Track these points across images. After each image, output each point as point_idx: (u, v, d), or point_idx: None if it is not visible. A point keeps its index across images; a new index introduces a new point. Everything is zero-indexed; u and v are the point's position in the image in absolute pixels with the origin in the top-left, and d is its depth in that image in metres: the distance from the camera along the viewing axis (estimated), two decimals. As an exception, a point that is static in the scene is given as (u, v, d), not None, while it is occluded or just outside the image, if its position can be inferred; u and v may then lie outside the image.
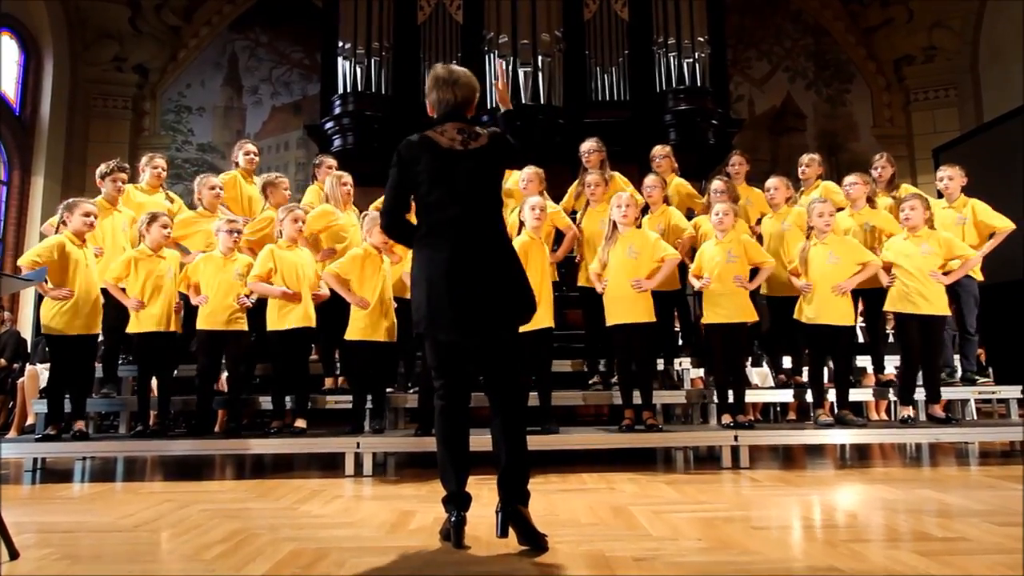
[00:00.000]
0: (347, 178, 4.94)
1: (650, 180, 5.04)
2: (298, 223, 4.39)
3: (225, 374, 4.79)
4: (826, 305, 4.32)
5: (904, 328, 4.43)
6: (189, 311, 4.52)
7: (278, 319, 4.31)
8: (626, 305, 4.27)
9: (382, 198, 2.68)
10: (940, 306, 4.40)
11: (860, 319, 5.26)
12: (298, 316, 4.28)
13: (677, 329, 5.60)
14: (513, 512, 2.34)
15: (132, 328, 4.34)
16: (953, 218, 4.88)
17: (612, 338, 4.40)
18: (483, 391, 2.51)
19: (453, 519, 2.39)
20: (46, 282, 4.10)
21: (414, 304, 2.48)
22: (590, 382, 4.95)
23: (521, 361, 2.55)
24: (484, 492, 2.71)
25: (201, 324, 4.32)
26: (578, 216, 5.05)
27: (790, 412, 5.79)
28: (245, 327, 4.37)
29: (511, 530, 2.33)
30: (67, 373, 4.22)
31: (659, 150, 5.49)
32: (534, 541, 2.31)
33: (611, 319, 4.33)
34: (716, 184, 4.94)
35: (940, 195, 5.06)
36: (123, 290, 4.33)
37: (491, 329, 2.42)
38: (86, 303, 4.19)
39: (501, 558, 2.25)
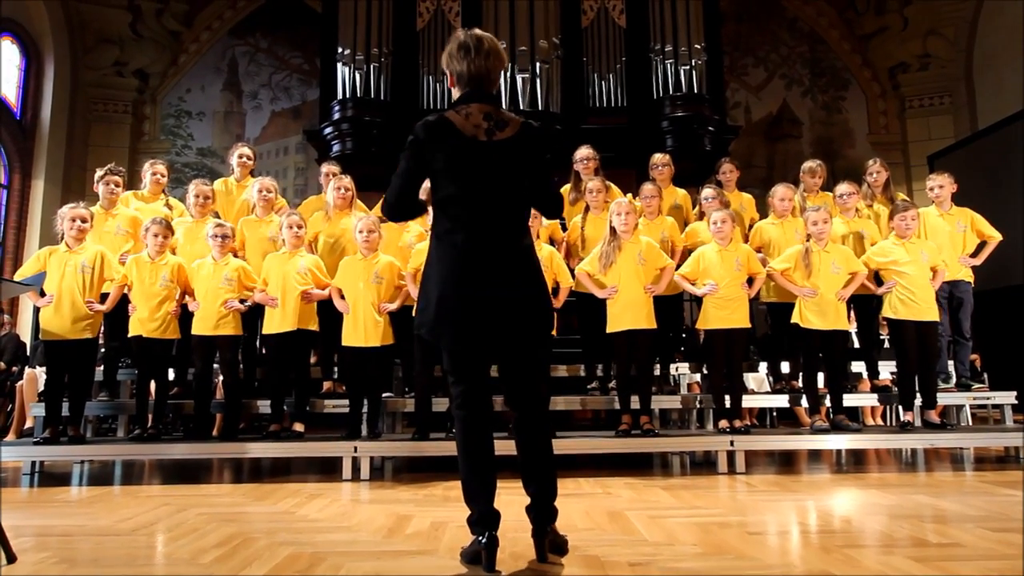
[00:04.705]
0: (343, 181, 4.94)
1: (649, 189, 5.04)
2: (292, 229, 4.42)
3: (220, 378, 4.81)
4: (832, 311, 4.36)
5: (902, 334, 4.44)
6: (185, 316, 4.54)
7: (268, 323, 4.41)
8: (634, 312, 4.30)
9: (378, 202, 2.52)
10: (935, 312, 4.48)
11: (853, 324, 5.30)
12: (286, 320, 4.32)
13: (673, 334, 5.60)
14: (550, 534, 2.22)
15: (131, 332, 4.37)
16: (953, 224, 4.94)
17: (614, 344, 4.41)
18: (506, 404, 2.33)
19: (484, 540, 2.12)
20: (41, 290, 4.18)
21: (420, 303, 2.26)
22: (588, 387, 4.96)
23: (543, 375, 2.34)
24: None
25: (194, 329, 4.38)
26: (579, 222, 5.06)
27: (800, 417, 5.80)
28: (236, 331, 4.40)
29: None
30: (59, 377, 4.24)
31: (660, 158, 5.46)
32: (562, 551, 2.27)
33: (617, 326, 4.34)
34: (707, 192, 5.00)
35: (932, 202, 5.09)
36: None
37: (499, 342, 2.23)
38: (70, 307, 4.20)
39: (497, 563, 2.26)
